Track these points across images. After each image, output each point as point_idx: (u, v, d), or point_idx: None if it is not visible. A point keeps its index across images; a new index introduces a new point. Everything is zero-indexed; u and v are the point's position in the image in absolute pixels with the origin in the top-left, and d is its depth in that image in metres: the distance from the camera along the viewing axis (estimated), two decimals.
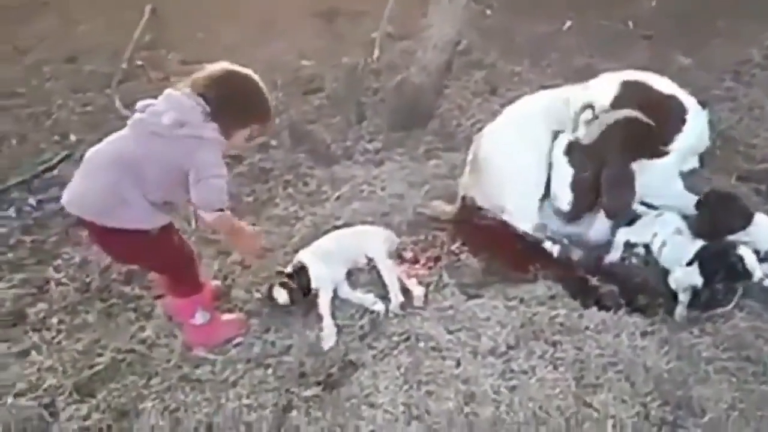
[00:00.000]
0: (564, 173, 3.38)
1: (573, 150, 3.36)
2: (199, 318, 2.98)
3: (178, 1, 6.81)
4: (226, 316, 3.14)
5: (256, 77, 2.85)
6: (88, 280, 3.44)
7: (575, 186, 3.37)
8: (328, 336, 3.00)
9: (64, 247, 3.71)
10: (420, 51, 4.79)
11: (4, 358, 2.99)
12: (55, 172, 4.43)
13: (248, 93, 2.82)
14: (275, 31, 6.38)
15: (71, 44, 6.24)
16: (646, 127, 3.32)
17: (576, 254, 3.41)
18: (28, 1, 7.18)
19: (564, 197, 3.39)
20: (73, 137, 4.81)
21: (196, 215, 3.48)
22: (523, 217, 3.49)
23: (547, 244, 3.45)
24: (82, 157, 4.35)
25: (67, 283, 3.43)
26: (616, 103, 3.38)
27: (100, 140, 4.45)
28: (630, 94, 3.42)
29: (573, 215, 3.42)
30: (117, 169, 2.66)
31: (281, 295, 3.09)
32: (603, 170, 3.31)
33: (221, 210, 2.76)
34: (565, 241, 3.45)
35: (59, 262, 3.59)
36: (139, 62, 5.83)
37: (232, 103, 2.75)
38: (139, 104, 2.78)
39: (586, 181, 3.35)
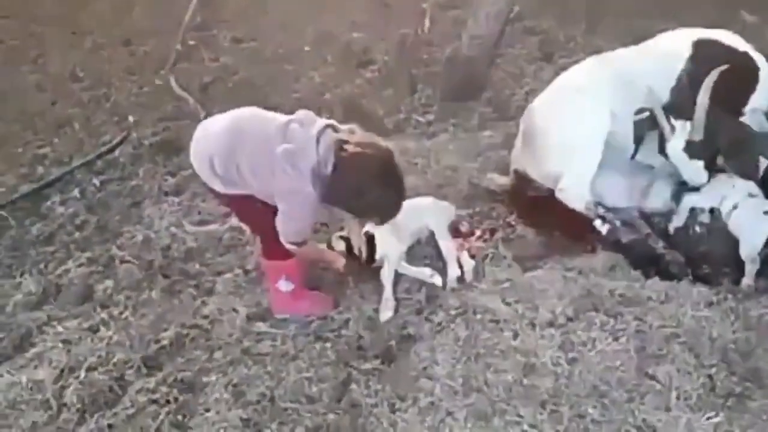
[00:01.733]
0: (694, 167, 3.24)
1: (693, 147, 3.19)
2: (283, 285, 3.02)
3: None
4: (315, 294, 3.16)
5: (400, 181, 2.72)
6: (150, 257, 3.53)
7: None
8: (387, 308, 3.01)
9: (126, 226, 3.82)
10: (471, 20, 4.70)
11: (75, 333, 3.10)
12: (116, 153, 4.54)
13: (370, 194, 2.66)
14: (326, 5, 6.36)
15: (126, 27, 6.37)
16: (737, 82, 3.21)
17: (626, 236, 3.30)
18: None
19: (702, 180, 3.27)
20: (131, 118, 4.92)
21: None
22: (575, 196, 3.38)
23: (597, 223, 3.34)
24: (140, 138, 4.60)
25: (131, 261, 3.53)
26: (692, 64, 3.27)
27: (157, 121, 4.60)
28: (705, 53, 3.29)
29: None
30: (221, 146, 2.73)
31: (339, 245, 3.12)
32: (719, 135, 3.18)
33: (298, 244, 2.80)
34: (617, 222, 3.33)
35: (122, 240, 3.70)
36: (192, 42, 5.90)
37: (346, 192, 2.66)
38: (301, 113, 2.76)
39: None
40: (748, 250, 3.08)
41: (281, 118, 2.76)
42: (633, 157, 3.48)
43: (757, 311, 2.85)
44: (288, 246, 2.80)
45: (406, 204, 3.34)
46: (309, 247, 2.92)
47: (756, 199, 3.22)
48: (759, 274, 3.06)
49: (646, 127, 3.34)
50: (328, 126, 2.70)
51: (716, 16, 5.19)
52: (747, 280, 3.05)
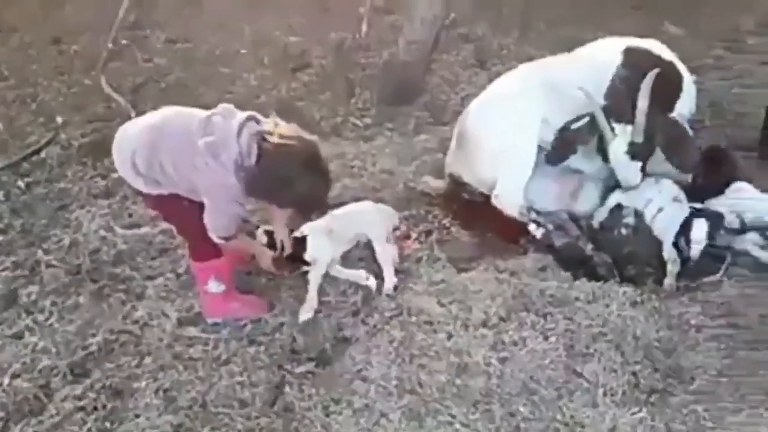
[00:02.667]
0: (633, 168, 3.31)
1: (634, 148, 3.27)
2: (213, 286, 2.97)
3: None
4: (248, 297, 3.12)
5: (326, 172, 2.73)
6: (77, 262, 3.43)
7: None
8: (308, 309, 3.02)
9: (53, 230, 3.69)
10: (407, 25, 4.75)
11: None
12: (42, 155, 4.39)
13: (296, 185, 2.63)
14: (263, 7, 6.29)
15: (56, 25, 6.15)
16: (666, 88, 3.32)
17: (559, 240, 3.37)
18: None
19: (637, 181, 3.34)
20: (59, 119, 4.76)
21: None
22: (509, 203, 3.44)
23: (532, 227, 3.40)
24: (68, 139, 4.45)
25: (57, 265, 3.42)
26: (623, 71, 3.38)
27: (87, 122, 4.46)
28: (635, 61, 3.41)
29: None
30: (143, 143, 2.69)
31: (261, 237, 3.09)
32: (657, 135, 3.30)
33: (226, 238, 2.76)
34: (550, 226, 3.39)
35: (49, 244, 3.58)
36: (125, 42, 5.76)
37: (271, 183, 2.64)
38: (222, 107, 2.73)
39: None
40: (671, 252, 3.20)
41: (203, 113, 2.73)
42: (558, 163, 3.54)
43: (678, 310, 2.98)
44: (217, 240, 2.76)
45: (345, 210, 3.37)
46: (238, 242, 2.88)
47: (680, 203, 3.35)
48: (680, 274, 3.18)
49: (587, 133, 3.40)
50: (249, 118, 2.68)
51: (642, 26, 5.36)
52: (669, 280, 3.17)
